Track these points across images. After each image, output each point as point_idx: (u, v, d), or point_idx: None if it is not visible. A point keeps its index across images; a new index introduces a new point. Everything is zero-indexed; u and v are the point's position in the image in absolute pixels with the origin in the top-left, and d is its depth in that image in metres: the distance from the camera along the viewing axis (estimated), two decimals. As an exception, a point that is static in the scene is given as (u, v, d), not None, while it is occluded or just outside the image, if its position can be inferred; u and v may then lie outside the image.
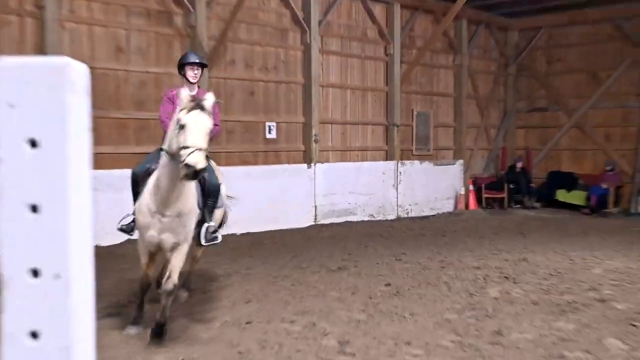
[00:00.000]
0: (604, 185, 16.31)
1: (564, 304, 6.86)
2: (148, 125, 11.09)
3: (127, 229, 5.82)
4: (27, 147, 1.03)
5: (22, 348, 1.03)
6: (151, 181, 5.43)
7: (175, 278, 5.51)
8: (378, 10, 15.28)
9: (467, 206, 16.87)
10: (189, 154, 4.71)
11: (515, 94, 19.09)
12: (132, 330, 5.70)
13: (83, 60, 1.12)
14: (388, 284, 7.81)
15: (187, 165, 4.70)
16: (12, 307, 1.04)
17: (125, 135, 11.03)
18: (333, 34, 14.40)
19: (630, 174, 16.66)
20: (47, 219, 1.03)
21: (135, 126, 11.20)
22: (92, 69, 10.34)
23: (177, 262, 5.58)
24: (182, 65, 6.25)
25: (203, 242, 5.90)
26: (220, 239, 6.10)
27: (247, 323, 6.14)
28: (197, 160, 4.69)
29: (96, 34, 10.87)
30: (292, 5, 13.42)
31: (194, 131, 4.83)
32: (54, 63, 1.04)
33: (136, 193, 5.75)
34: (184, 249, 5.64)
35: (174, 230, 5.44)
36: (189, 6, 11.66)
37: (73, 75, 1.05)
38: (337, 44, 14.53)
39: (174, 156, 5.00)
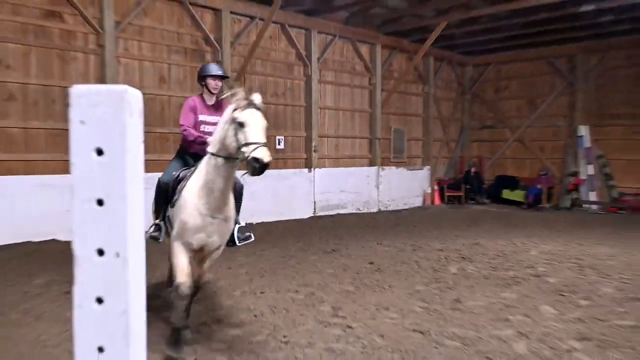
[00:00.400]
0: (539, 186, 16.35)
1: (508, 278, 6.88)
2: (184, 138, 11.08)
3: (157, 237, 4.67)
4: (94, 154, 1.03)
5: (90, 311, 1.04)
6: (196, 185, 4.27)
7: (200, 284, 4.67)
8: (364, 49, 15.28)
9: (432, 202, 16.88)
10: (254, 150, 3.82)
11: (470, 115, 19.10)
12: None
13: (135, 88, 1.12)
14: (371, 263, 7.82)
15: (255, 160, 3.78)
16: (82, 278, 1.04)
17: (167, 146, 11.02)
18: (328, 67, 14.39)
19: (559, 177, 16.70)
20: (110, 211, 1.03)
21: (174, 139, 11.16)
22: (142, 94, 10.29)
23: (208, 268, 4.64)
24: (203, 76, 5.12)
25: (238, 242, 4.81)
26: (253, 237, 5.02)
27: (261, 292, 6.13)
28: (264, 154, 3.79)
29: (145, 67, 10.87)
30: (297, 45, 13.43)
31: (253, 128, 3.92)
32: (115, 89, 1.04)
33: (163, 201, 4.67)
34: (220, 252, 4.61)
35: (221, 232, 4.39)
36: (217, 46, 11.69)
37: (130, 99, 1.05)
38: (331, 76, 14.53)
39: (233, 155, 4.04)
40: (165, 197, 4.65)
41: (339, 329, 4.91)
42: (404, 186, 16.11)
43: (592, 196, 15.82)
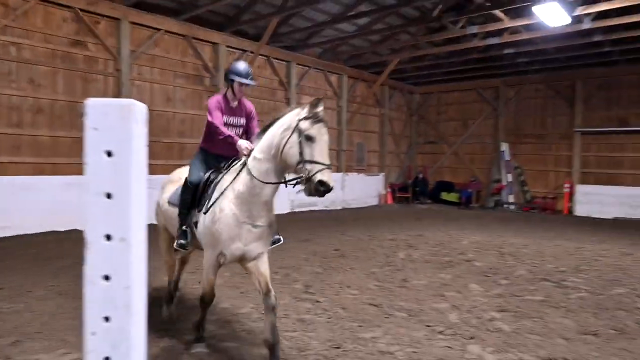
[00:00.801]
0: (470, 190, 16.63)
1: (445, 262, 6.94)
2: (185, 147, 10.93)
3: (185, 245, 3.63)
4: (105, 156, 1.00)
5: (98, 286, 1.00)
6: (234, 191, 3.28)
7: (273, 290, 3.43)
8: (333, 79, 15.34)
9: (386, 201, 17.00)
10: (320, 171, 2.96)
11: (416, 133, 19.32)
12: (199, 348, 3.55)
13: (146, 105, 1.09)
14: (336, 249, 7.79)
15: (322, 183, 2.95)
16: (92, 259, 1.00)
17: (171, 153, 10.83)
18: (304, 92, 14.38)
19: (485, 183, 17.03)
20: (117, 203, 1.00)
21: (177, 148, 11.01)
22: (151, 110, 10.19)
23: (267, 272, 3.48)
24: (232, 78, 3.80)
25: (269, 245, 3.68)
26: (282, 240, 3.85)
27: (246, 273, 6.03)
28: (330, 179, 2.98)
29: (154, 88, 10.67)
30: (279, 74, 13.41)
31: (322, 147, 3.04)
32: (124, 102, 1.01)
33: (190, 204, 3.59)
34: (266, 256, 3.52)
35: (263, 240, 3.41)
36: (214, 73, 11.56)
37: (136, 111, 1.02)
38: (307, 99, 14.50)
39: (290, 166, 3.12)
40: (193, 200, 3.59)
41: (309, 303, 4.88)
42: (364, 188, 16.17)
43: (511, 198, 16.19)
